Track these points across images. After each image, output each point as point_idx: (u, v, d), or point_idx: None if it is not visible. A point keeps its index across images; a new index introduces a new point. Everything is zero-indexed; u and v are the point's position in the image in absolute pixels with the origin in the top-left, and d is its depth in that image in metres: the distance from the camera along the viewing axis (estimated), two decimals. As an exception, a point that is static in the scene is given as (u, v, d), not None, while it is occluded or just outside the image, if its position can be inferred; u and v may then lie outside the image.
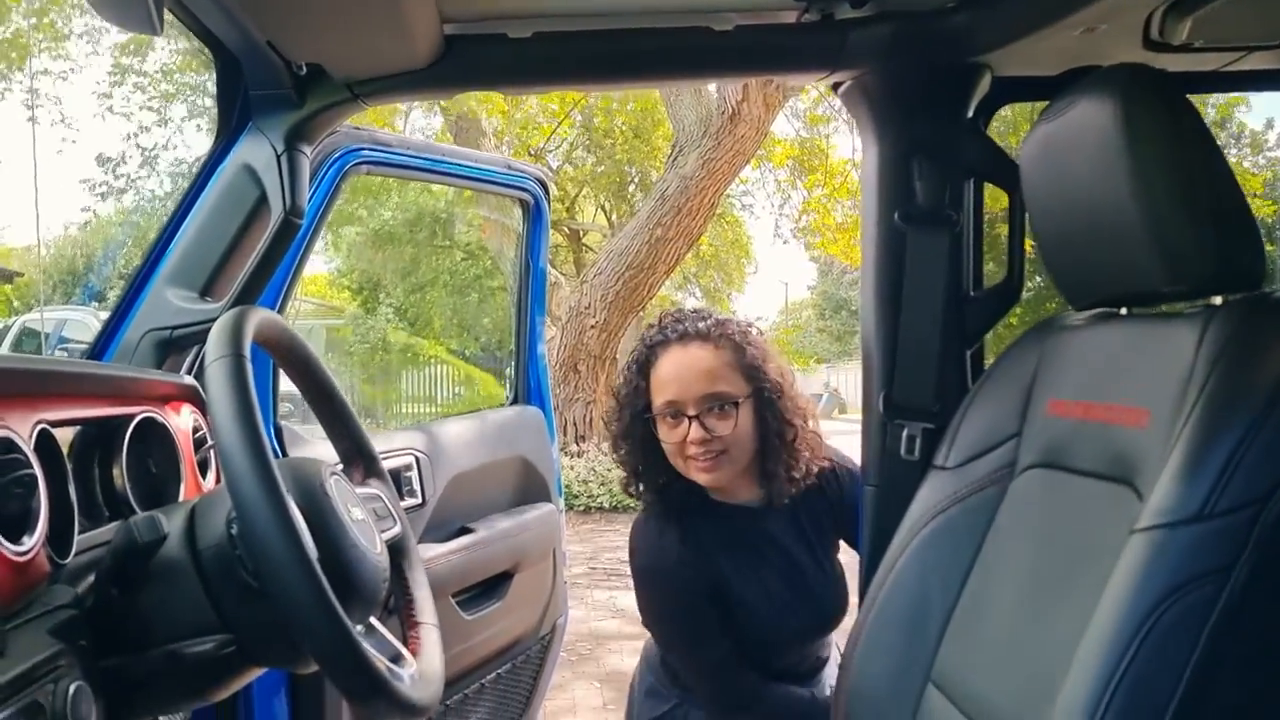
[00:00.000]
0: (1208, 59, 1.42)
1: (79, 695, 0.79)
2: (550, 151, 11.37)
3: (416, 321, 13.44)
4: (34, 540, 0.85)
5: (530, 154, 10.39)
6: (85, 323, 8.06)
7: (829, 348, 31.34)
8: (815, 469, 1.56)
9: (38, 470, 0.87)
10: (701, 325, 1.50)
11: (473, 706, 2.06)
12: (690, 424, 1.44)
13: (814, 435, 1.56)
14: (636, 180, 12.60)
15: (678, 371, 1.47)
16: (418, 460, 1.92)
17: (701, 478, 1.48)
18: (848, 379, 29.08)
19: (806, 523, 1.59)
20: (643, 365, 1.53)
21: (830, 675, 1.65)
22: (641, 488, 1.57)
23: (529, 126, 9.99)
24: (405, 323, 13.36)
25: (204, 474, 1.32)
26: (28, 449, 0.87)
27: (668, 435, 1.47)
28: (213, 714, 1.65)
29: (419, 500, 1.90)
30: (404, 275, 13.29)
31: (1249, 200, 1.08)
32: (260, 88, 1.38)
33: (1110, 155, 1.04)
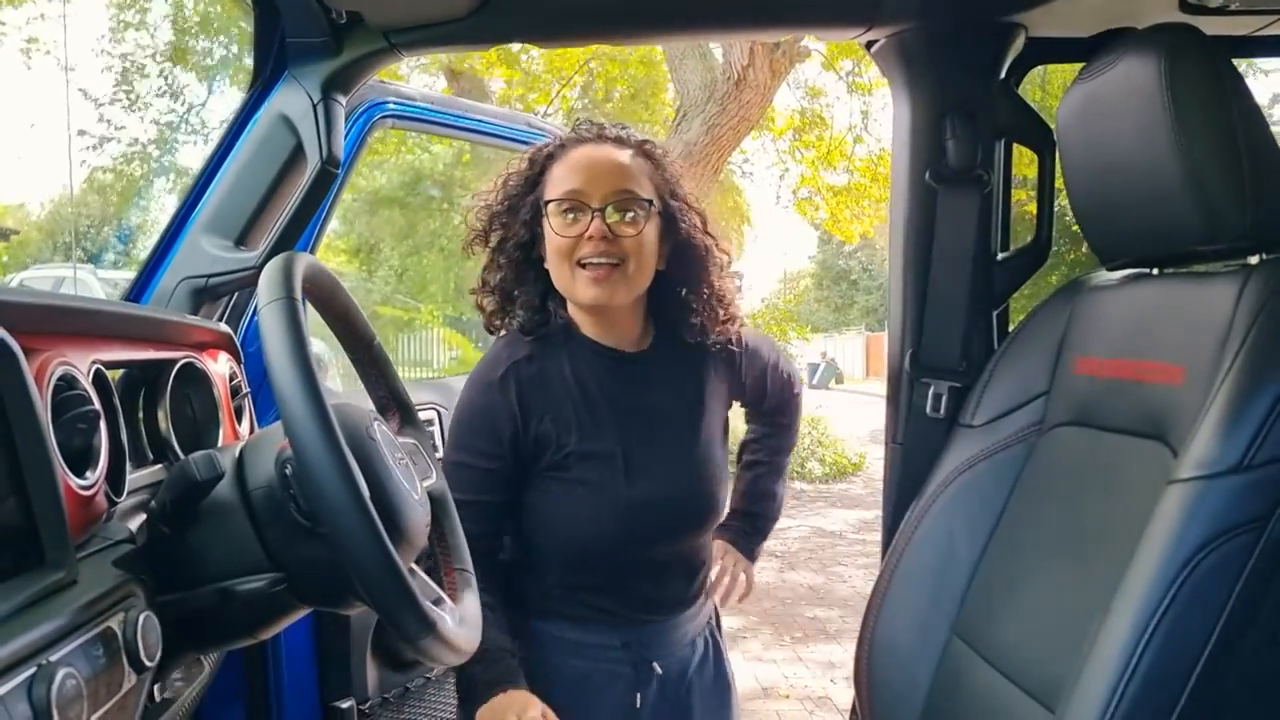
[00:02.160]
0: (1242, 22, 1.42)
1: (148, 624, 0.80)
2: (552, 115, 11.30)
3: (413, 285, 13.40)
4: (97, 475, 0.86)
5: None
6: (85, 281, 8.02)
7: (827, 317, 31.41)
8: (720, 336, 1.38)
9: (98, 407, 0.88)
10: (621, 132, 1.34)
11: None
12: (593, 218, 1.24)
13: (729, 300, 1.38)
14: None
15: (588, 162, 1.27)
16: (439, 414, 1.94)
17: (589, 292, 1.26)
18: (844, 349, 29.20)
19: (680, 382, 1.38)
20: (543, 160, 1.32)
21: (691, 624, 1.40)
22: (514, 318, 1.36)
23: (533, 87, 9.90)
24: (402, 285, 13.31)
25: (239, 420, 1.33)
26: (88, 386, 0.88)
27: (564, 228, 1.25)
28: (240, 663, 1.67)
29: (439, 453, 1.92)
30: (401, 238, 13.23)
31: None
32: (298, 35, 1.37)
33: (1153, 114, 1.05)
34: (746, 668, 3.93)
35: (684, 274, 1.35)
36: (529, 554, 1.34)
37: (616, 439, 1.30)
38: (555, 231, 1.26)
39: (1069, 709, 0.94)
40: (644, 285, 1.31)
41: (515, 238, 1.32)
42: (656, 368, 1.36)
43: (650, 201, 1.28)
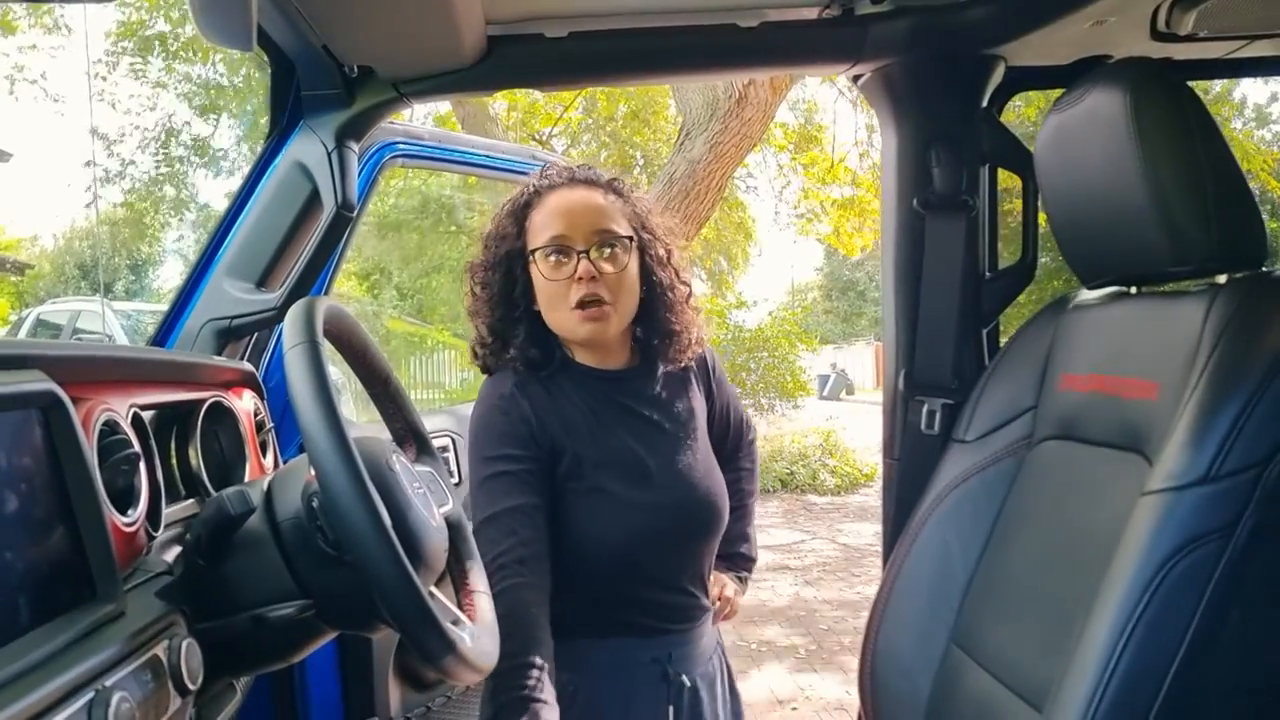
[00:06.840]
0: (1212, 47, 1.48)
1: (190, 651, 0.86)
2: (556, 136, 11.40)
3: (423, 308, 13.51)
4: (138, 513, 0.93)
5: (534, 138, 10.42)
6: (99, 313, 8.14)
7: (835, 329, 31.41)
8: (692, 351, 1.43)
9: (138, 449, 0.94)
10: (591, 173, 1.38)
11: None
12: (579, 260, 1.29)
13: (696, 316, 1.43)
14: (641, 164, 12.62)
15: (566, 206, 1.32)
16: (454, 441, 2.00)
17: (583, 329, 1.31)
18: (853, 359, 29.17)
19: (670, 394, 1.43)
20: (520, 209, 1.36)
21: (707, 637, 1.43)
22: (515, 361, 1.36)
23: (535, 113, 10.01)
24: (412, 308, 13.43)
25: (264, 453, 1.39)
26: (129, 430, 0.95)
27: (552, 273, 1.30)
28: (267, 685, 1.73)
29: (455, 480, 1.98)
30: (409, 261, 13.35)
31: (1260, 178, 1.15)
32: (312, 88, 1.44)
33: (1120, 143, 1.11)
34: (764, 681, 3.96)
35: (652, 305, 1.39)
36: (556, 575, 1.33)
37: (626, 448, 1.34)
38: (545, 277, 1.31)
39: (1054, 710, 0.99)
40: (631, 314, 1.36)
41: (511, 288, 1.35)
42: (648, 383, 1.41)
43: (630, 238, 1.33)
